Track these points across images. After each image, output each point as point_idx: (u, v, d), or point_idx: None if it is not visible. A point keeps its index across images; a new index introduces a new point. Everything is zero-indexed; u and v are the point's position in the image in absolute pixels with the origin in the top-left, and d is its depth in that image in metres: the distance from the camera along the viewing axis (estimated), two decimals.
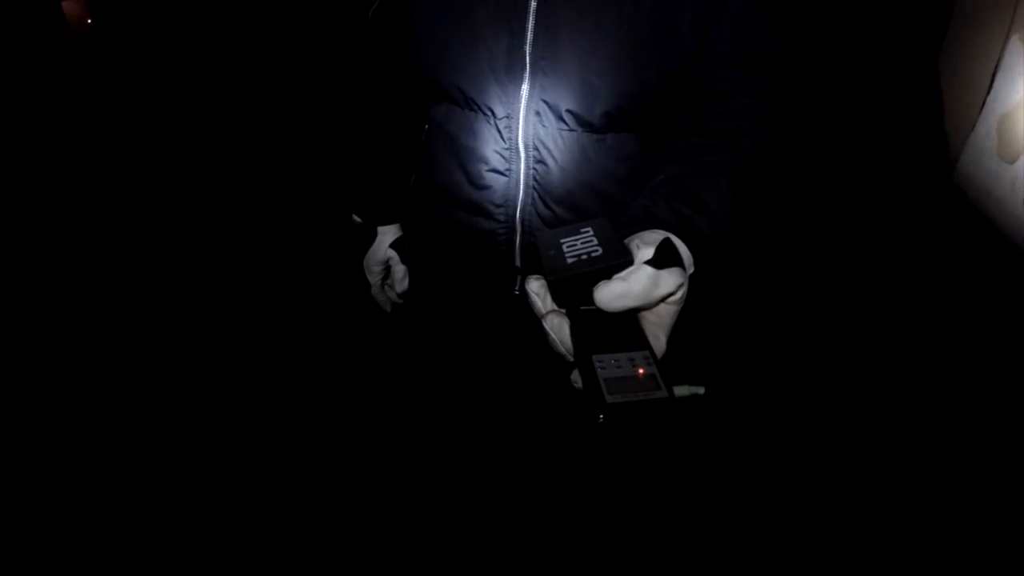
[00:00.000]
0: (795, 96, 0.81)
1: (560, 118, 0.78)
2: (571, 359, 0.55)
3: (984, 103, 1.74)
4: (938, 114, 1.89)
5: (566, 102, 0.77)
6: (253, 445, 1.58)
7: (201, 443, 1.59)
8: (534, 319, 0.59)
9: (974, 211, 1.76)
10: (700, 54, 0.77)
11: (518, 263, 0.87)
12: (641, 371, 0.50)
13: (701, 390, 0.52)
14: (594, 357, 0.51)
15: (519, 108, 0.79)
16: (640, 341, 0.53)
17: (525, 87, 0.77)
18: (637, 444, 1.15)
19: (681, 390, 0.51)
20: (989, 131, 1.72)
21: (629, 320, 0.54)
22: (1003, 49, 1.68)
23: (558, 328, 0.55)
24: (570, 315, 0.55)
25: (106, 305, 2.04)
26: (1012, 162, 1.63)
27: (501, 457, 1.29)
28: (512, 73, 0.77)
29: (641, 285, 0.52)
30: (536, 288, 0.58)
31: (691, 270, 0.62)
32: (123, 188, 2.65)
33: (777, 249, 2.10)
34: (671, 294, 0.54)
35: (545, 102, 0.78)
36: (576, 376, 0.54)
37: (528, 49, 0.76)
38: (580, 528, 1.35)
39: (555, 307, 0.57)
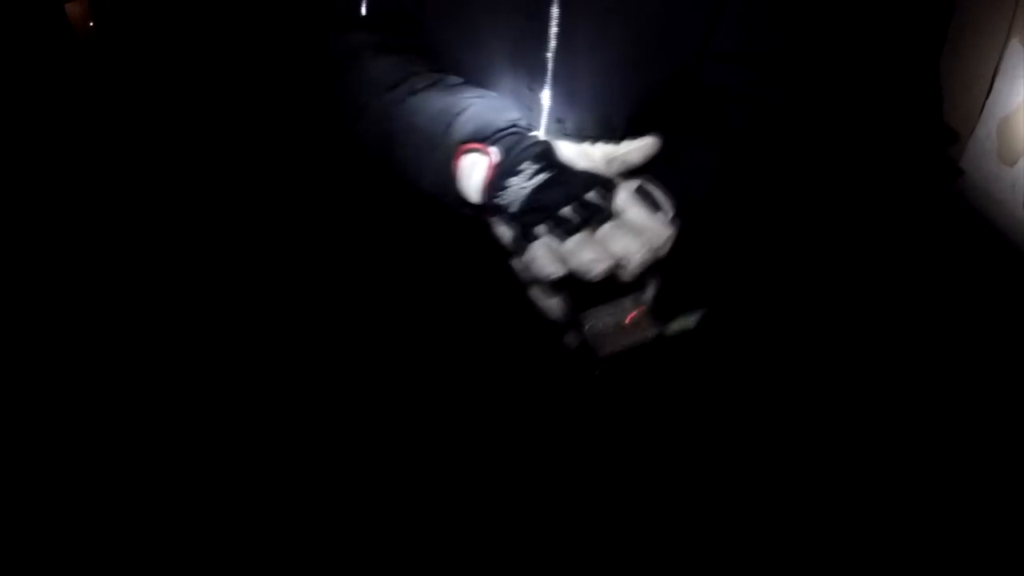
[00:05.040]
0: (793, 91, 0.82)
1: (581, 125, 0.78)
2: (563, 322, 0.56)
3: (984, 106, 1.73)
4: (938, 116, 1.88)
5: (587, 109, 0.77)
6: (253, 448, 1.59)
7: (201, 444, 1.60)
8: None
9: (974, 214, 1.75)
10: (706, 50, 0.79)
11: None
12: (630, 317, 0.51)
13: (692, 323, 0.53)
14: (583, 316, 0.52)
15: (541, 119, 0.78)
16: (627, 286, 0.54)
17: (546, 92, 0.77)
18: (637, 395, 1.10)
19: (672, 327, 0.53)
20: (989, 134, 1.71)
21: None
22: (1003, 51, 1.67)
23: (547, 296, 0.57)
24: (556, 281, 0.56)
25: (108, 308, 2.05)
26: (1012, 165, 1.63)
27: (502, 456, 1.29)
28: (533, 79, 0.77)
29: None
30: (519, 264, 0.58)
31: (671, 213, 0.62)
32: (126, 190, 2.66)
33: (774, 251, 2.10)
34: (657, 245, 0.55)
35: (566, 109, 0.78)
36: (571, 337, 0.55)
37: (551, 55, 0.75)
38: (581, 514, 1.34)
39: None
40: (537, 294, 0.57)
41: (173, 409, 1.68)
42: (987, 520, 1.40)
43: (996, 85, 1.69)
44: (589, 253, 0.50)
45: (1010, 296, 1.62)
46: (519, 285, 0.59)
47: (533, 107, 0.77)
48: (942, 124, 1.86)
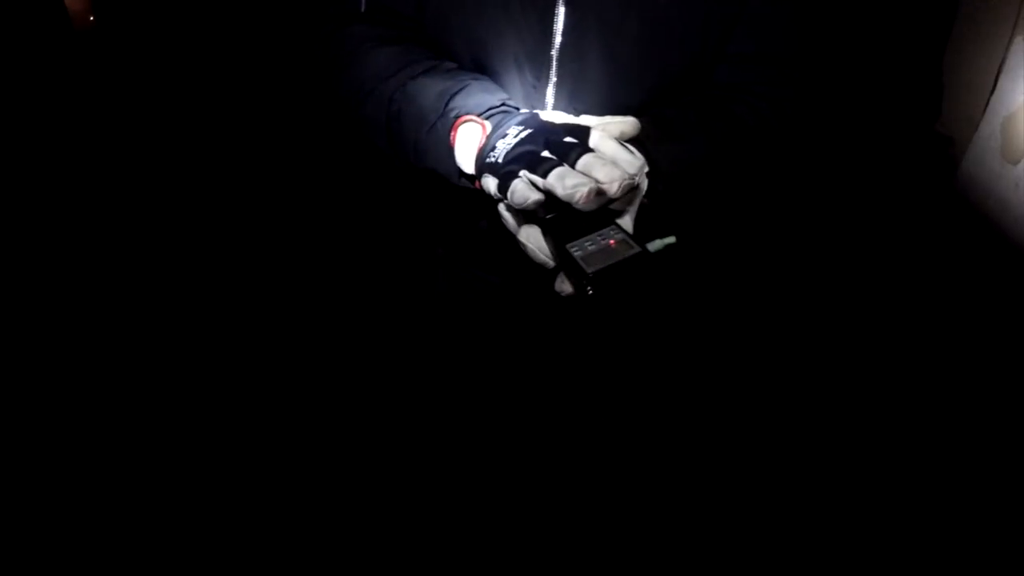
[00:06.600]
0: (804, 90, 0.83)
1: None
2: (552, 264, 0.59)
3: (988, 104, 1.73)
4: (939, 113, 1.89)
5: (590, 107, 0.77)
6: (255, 451, 1.59)
7: (202, 444, 1.59)
8: (549, 318, 0.61)
9: (976, 212, 1.75)
10: (718, 50, 0.79)
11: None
12: (613, 242, 0.55)
13: (672, 239, 0.57)
14: (568, 246, 0.56)
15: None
16: (607, 220, 0.58)
17: (551, 90, 0.78)
18: (630, 316, 1.11)
19: (654, 244, 0.56)
20: (993, 132, 1.71)
21: (596, 211, 0.59)
22: (1007, 50, 1.68)
23: (534, 237, 0.60)
24: (540, 223, 0.60)
25: (107, 306, 2.04)
26: (1016, 163, 1.63)
27: (509, 466, 1.28)
28: (538, 77, 0.78)
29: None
30: (505, 212, 0.63)
31: (646, 168, 0.66)
32: (127, 186, 2.65)
33: (777, 248, 2.10)
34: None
35: (569, 107, 0.78)
36: (560, 282, 0.58)
37: (555, 53, 0.76)
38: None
39: (524, 221, 0.62)
40: (525, 237, 0.60)
41: (174, 407, 1.68)
42: (987, 519, 1.39)
43: (1000, 84, 1.70)
44: (571, 179, 0.55)
45: (1012, 292, 1.62)
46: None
47: (537, 104, 0.78)
48: (943, 121, 1.86)
